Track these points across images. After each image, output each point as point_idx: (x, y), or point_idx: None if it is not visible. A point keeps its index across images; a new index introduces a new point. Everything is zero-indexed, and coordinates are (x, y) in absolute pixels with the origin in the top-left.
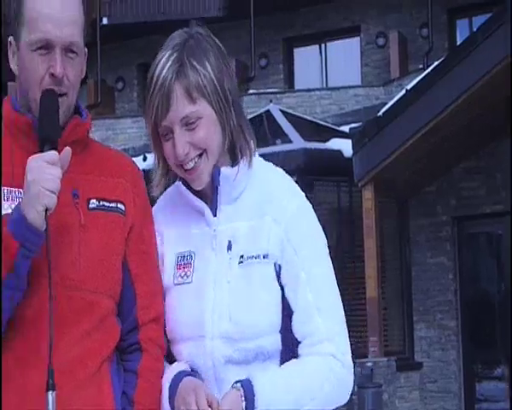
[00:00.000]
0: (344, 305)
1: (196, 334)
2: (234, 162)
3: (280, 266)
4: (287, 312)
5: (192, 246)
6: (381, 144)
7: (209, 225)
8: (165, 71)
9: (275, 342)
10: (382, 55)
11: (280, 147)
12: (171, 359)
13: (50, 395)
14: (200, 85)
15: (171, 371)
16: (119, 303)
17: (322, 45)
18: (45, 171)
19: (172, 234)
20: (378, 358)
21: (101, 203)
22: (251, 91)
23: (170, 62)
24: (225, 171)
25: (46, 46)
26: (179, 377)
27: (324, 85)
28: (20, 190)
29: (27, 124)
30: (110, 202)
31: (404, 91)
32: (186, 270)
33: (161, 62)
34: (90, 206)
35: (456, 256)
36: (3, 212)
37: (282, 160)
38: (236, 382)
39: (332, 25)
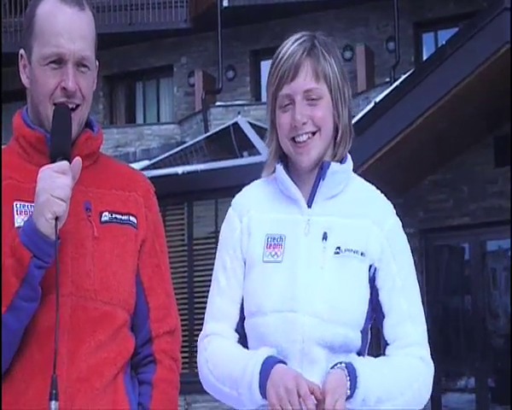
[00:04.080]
0: None
1: (287, 308)
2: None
3: (376, 269)
4: (370, 315)
5: (283, 230)
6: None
7: (302, 214)
8: (296, 46)
9: (358, 337)
10: (349, 69)
11: (248, 159)
12: (242, 335)
13: (53, 405)
14: (326, 73)
15: (257, 356)
16: (134, 316)
17: None
18: (55, 179)
19: (262, 217)
20: None
21: (113, 216)
22: (218, 104)
23: (301, 41)
24: (335, 166)
25: (58, 60)
26: (269, 363)
27: None
28: (32, 203)
29: (39, 139)
30: (122, 214)
31: (372, 104)
32: (276, 250)
33: (292, 40)
34: (103, 219)
35: (423, 269)
36: (17, 225)
37: (249, 172)
38: (337, 363)
39: None
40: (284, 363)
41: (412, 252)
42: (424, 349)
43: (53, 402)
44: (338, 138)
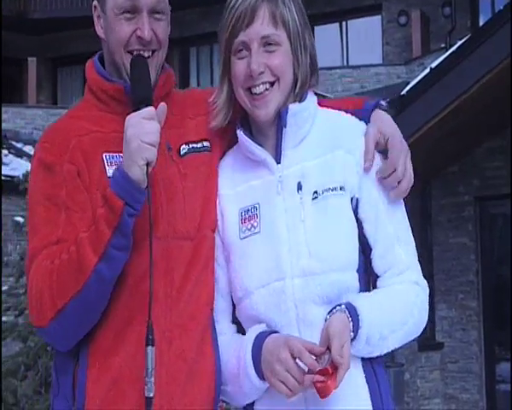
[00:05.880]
0: None
1: (274, 278)
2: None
3: (358, 200)
4: (363, 251)
5: (255, 198)
6: (405, 123)
7: (273, 173)
8: None
9: (354, 278)
10: (404, 34)
11: None
12: (239, 323)
13: (149, 350)
14: (285, 18)
15: (246, 342)
16: None
17: (343, 23)
18: (143, 125)
19: (231, 193)
20: None
21: (190, 146)
22: None
23: None
24: (294, 107)
25: (133, 9)
26: (259, 344)
27: (345, 64)
28: (120, 153)
29: (119, 91)
30: (197, 142)
31: (428, 70)
32: (252, 222)
33: None
34: (182, 152)
35: (478, 237)
36: (110, 175)
37: None
38: (335, 306)
39: (353, 3)
40: (275, 332)
41: (467, 220)
42: (416, 272)
43: (149, 348)
44: (297, 89)
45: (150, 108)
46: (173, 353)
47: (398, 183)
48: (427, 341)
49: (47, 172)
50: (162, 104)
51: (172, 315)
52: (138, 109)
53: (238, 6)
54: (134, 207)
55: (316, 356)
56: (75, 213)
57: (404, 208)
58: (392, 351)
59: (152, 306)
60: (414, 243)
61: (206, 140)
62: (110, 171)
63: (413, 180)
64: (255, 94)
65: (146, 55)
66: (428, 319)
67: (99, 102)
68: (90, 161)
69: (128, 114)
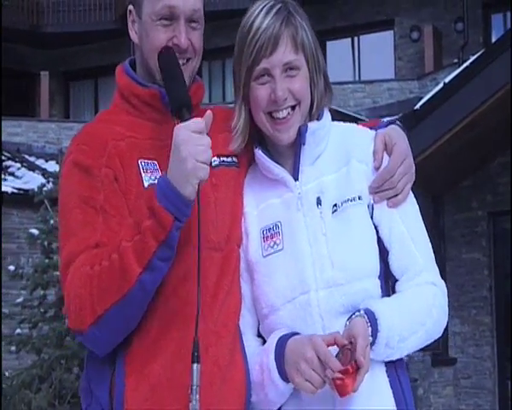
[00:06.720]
0: None
1: (299, 292)
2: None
3: (373, 207)
4: (381, 256)
5: (276, 217)
6: (418, 138)
7: (292, 191)
8: (272, 16)
9: (376, 285)
10: (416, 49)
11: None
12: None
13: (195, 367)
14: (304, 42)
15: (268, 346)
16: None
17: (355, 38)
18: (196, 143)
19: (255, 213)
20: (413, 353)
21: (221, 159)
22: None
23: (277, 9)
24: (313, 125)
25: (170, 16)
26: (281, 345)
27: (357, 79)
28: (155, 161)
29: (154, 96)
30: (227, 156)
31: (441, 85)
32: (274, 239)
33: (264, 8)
34: (213, 164)
35: (491, 252)
36: (146, 183)
37: None
38: (354, 312)
39: (365, 18)
40: (297, 334)
41: (480, 235)
42: (433, 273)
43: (195, 365)
44: (314, 109)
45: (199, 121)
46: (210, 359)
47: (396, 195)
48: (440, 356)
49: (84, 175)
50: (209, 112)
51: (208, 322)
52: (180, 112)
53: (260, 35)
54: (182, 221)
55: (338, 347)
56: (113, 218)
57: (419, 212)
58: (407, 365)
59: (193, 317)
60: (430, 245)
61: (234, 155)
62: (146, 178)
63: (408, 194)
64: (277, 118)
65: (181, 62)
66: (441, 334)
67: (130, 107)
68: (127, 167)
69: (163, 120)
